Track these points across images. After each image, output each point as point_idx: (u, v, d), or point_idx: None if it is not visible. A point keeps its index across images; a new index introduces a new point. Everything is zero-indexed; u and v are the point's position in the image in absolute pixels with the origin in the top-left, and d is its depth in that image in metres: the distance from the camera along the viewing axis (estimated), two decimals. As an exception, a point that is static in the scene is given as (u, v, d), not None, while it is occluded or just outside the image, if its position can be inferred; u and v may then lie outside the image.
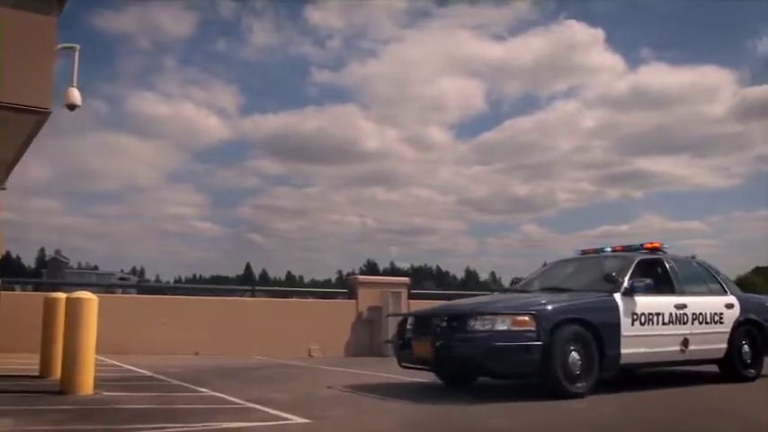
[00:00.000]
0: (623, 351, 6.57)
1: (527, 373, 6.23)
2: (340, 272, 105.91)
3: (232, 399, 6.12)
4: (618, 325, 6.58)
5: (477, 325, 6.26)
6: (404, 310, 12.64)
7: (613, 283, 6.89)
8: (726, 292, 7.88)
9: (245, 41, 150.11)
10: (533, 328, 6.11)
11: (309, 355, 11.90)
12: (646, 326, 6.72)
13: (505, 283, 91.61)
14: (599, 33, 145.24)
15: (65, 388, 5.98)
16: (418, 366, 7.04)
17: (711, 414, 5.80)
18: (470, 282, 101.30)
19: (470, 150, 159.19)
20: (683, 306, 7.10)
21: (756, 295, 9.09)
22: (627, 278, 6.94)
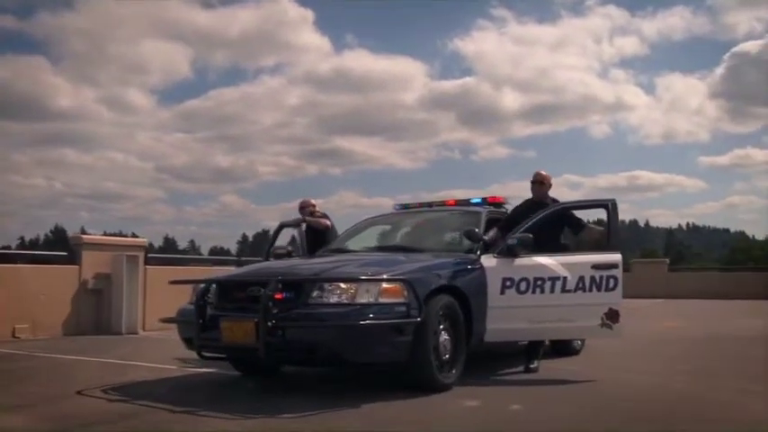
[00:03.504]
0: (489, 326, 5.23)
1: (394, 361, 4.55)
2: (22, 238, 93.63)
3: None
4: (486, 294, 5.21)
5: (327, 296, 4.44)
6: (141, 277, 10.26)
7: (477, 241, 5.49)
8: None
9: None
10: (405, 300, 4.45)
11: (15, 337, 8.90)
12: (531, 294, 5.25)
13: (204, 251, 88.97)
14: (309, 14, 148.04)
15: None
16: (224, 356, 5.01)
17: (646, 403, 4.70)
18: (169, 250, 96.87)
19: (173, 117, 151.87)
20: (611, 266, 5.25)
21: None
22: (488, 234, 5.61)
